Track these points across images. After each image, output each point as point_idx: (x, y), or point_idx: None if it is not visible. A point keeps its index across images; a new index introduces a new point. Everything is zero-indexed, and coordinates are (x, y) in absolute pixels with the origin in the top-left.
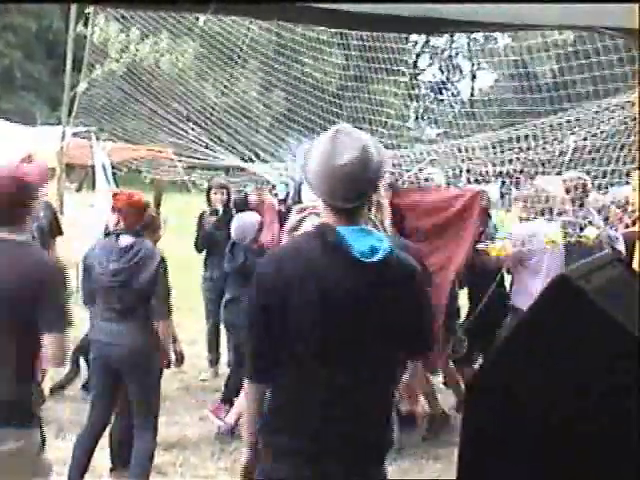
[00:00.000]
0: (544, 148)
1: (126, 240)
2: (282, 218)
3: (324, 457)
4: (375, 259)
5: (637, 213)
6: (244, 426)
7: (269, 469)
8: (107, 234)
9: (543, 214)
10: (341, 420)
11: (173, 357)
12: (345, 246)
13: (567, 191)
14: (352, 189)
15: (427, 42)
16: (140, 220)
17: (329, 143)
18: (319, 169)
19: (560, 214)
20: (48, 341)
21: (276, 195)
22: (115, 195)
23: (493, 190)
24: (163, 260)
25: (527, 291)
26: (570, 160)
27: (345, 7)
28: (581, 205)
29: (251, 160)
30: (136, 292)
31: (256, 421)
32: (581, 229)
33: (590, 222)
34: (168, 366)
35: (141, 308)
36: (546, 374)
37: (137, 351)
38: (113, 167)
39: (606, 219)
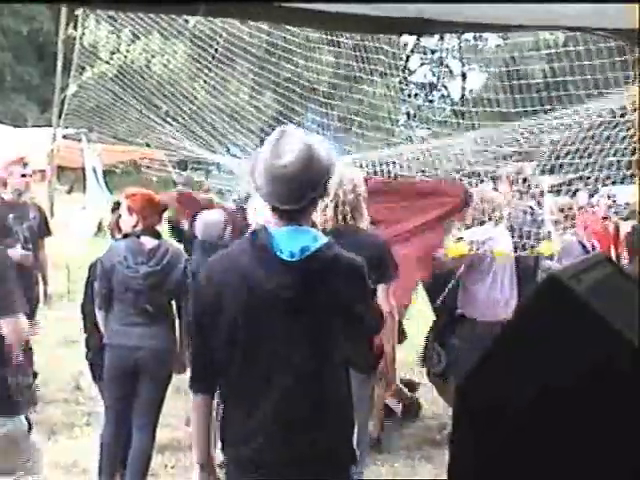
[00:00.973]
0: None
1: (150, 242)
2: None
3: (288, 465)
4: (299, 258)
5: (637, 214)
6: (193, 442)
7: None
8: (125, 235)
9: (490, 219)
10: (294, 423)
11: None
12: (272, 247)
13: (511, 184)
14: (292, 190)
15: (417, 43)
16: (159, 221)
17: (273, 144)
18: (262, 170)
19: (502, 218)
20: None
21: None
22: (132, 195)
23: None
24: (187, 260)
25: (475, 299)
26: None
27: (334, 8)
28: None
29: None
30: (167, 294)
31: (205, 436)
32: (537, 240)
33: (544, 237)
34: (181, 366)
35: (169, 309)
36: (536, 376)
37: (164, 353)
38: (104, 169)
39: (572, 225)
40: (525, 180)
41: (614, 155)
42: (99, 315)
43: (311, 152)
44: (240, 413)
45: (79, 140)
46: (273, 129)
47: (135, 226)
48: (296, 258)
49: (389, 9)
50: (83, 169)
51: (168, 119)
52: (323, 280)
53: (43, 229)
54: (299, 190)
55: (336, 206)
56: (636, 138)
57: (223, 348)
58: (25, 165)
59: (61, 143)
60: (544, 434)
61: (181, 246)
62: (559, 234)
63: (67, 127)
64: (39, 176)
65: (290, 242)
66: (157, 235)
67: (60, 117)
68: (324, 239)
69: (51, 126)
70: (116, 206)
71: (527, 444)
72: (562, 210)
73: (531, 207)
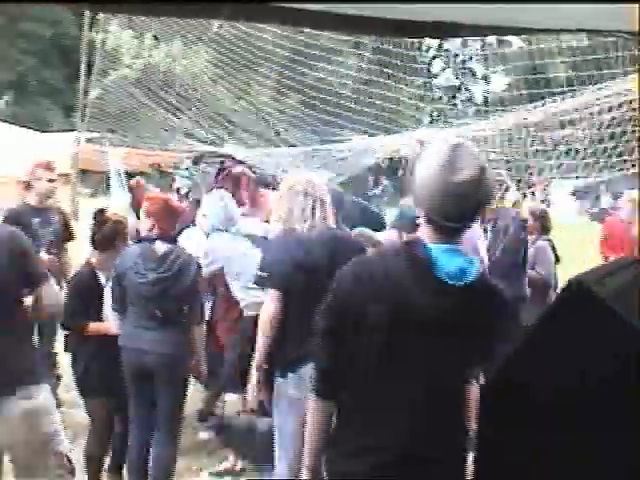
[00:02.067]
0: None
1: (162, 247)
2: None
3: None
4: (461, 283)
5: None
6: (306, 449)
7: None
8: (139, 240)
9: None
10: (413, 445)
11: (204, 367)
12: (432, 265)
13: None
14: (463, 208)
15: (440, 46)
16: (174, 226)
17: (447, 157)
18: (431, 182)
19: None
20: (42, 293)
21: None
22: (149, 199)
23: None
24: (199, 266)
25: None
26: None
27: (357, 11)
28: None
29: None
30: (176, 300)
31: (319, 442)
32: None
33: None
34: (199, 373)
35: (180, 315)
36: (562, 377)
37: (176, 358)
38: (127, 172)
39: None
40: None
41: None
42: (112, 317)
43: (484, 170)
44: (360, 426)
45: (103, 144)
46: (296, 132)
47: (151, 230)
48: (456, 281)
49: (411, 12)
50: (106, 173)
51: (190, 122)
52: (477, 309)
53: (66, 233)
54: (470, 208)
55: (320, 208)
56: None
57: (357, 355)
58: (52, 170)
59: (85, 147)
60: (572, 430)
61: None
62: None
63: (91, 131)
64: (63, 180)
65: (448, 262)
66: (172, 240)
67: (84, 121)
68: (477, 261)
69: (75, 130)
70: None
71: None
72: (533, 214)
73: None
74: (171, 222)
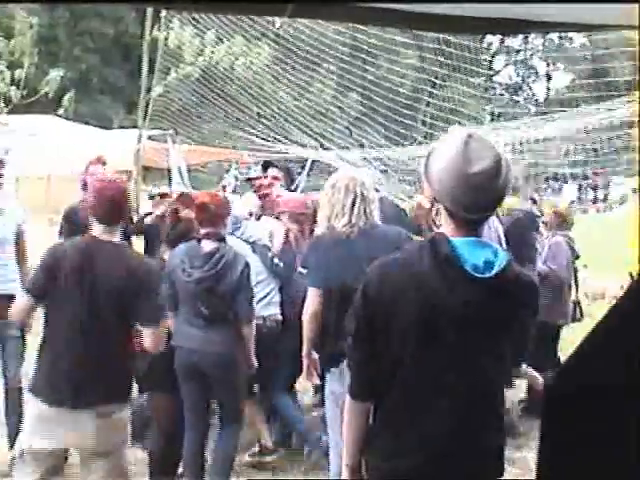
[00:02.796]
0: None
1: (209, 245)
2: None
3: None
4: (488, 275)
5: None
6: (344, 447)
7: None
8: (188, 239)
9: None
10: (451, 439)
11: (255, 362)
12: (457, 259)
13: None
14: (481, 199)
15: (502, 43)
16: (223, 224)
17: (461, 148)
18: (447, 175)
19: None
20: (146, 333)
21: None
22: (200, 197)
23: (569, 191)
24: (247, 264)
25: None
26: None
27: (419, 8)
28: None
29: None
30: (222, 298)
31: (357, 442)
32: None
33: None
34: (250, 366)
35: (228, 313)
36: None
37: (226, 356)
38: (189, 169)
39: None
40: None
41: None
42: (168, 315)
43: (500, 161)
44: (399, 426)
45: (164, 141)
46: (358, 129)
47: (201, 228)
48: (482, 273)
49: (472, 9)
50: (168, 169)
51: (252, 120)
52: (508, 299)
53: (127, 230)
54: (489, 199)
55: (360, 204)
56: None
57: (391, 356)
58: (104, 164)
59: (147, 144)
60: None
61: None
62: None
63: (152, 128)
64: (125, 177)
65: (473, 254)
66: (219, 239)
67: (145, 118)
68: (505, 254)
69: (137, 127)
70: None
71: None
72: (555, 211)
73: None
74: (218, 221)
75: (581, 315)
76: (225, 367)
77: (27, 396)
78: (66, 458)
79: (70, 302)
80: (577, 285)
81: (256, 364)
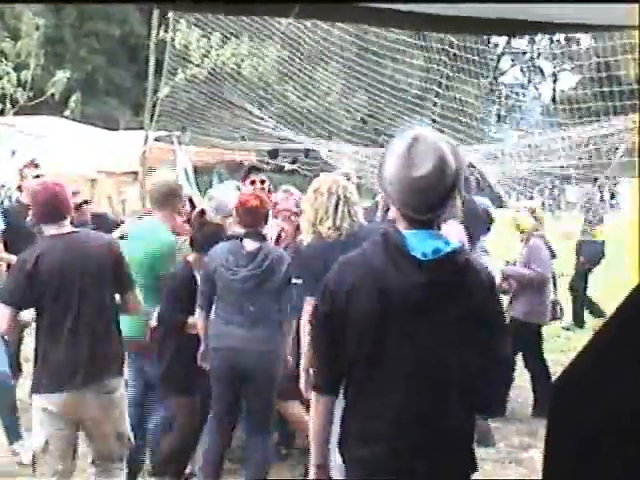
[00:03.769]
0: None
1: (251, 244)
2: None
3: (409, 468)
4: (434, 257)
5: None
6: (312, 443)
7: None
8: (229, 237)
9: None
10: (418, 427)
11: (290, 360)
12: (406, 247)
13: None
14: (427, 201)
15: (508, 44)
16: (261, 222)
17: (406, 151)
18: (394, 178)
19: None
20: (125, 299)
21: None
22: (240, 196)
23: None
24: (290, 263)
25: None
26: None
27: (425, 9)
28: None
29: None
30: (269, 296)
31: (325, 437)
32: None
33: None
34: (286, 365)
35: (272, 312)
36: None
37: (270, 354)
38: (195, 170)
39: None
40: None
41: None
42: (199, 314)
43: (445, 160)
44: (364, 415)
45: (171, 142)
46: (364, 130)
47: (241, 227)
48: (429, 258)
49: (478, 10)
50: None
51: (259, 121)
52: (456, 282)
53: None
54: (434, 201)
55: (344, 206)
56: None
57: (351, 349)
58: (37, 166)
59: (153, 145)
60: None
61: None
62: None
63: (159, 129)
64: (131, 178)
65: (422, 243)
66: (261, 237)
67: (152, 119)
68: (455, 244)
69: (143, 128)
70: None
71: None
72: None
73: None
74: (259, 220)
75: (562, 314)
76: (268, 366)
77: (33, 398)
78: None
79: (56, 296)
80: (555, 284)
81: (292, 364)
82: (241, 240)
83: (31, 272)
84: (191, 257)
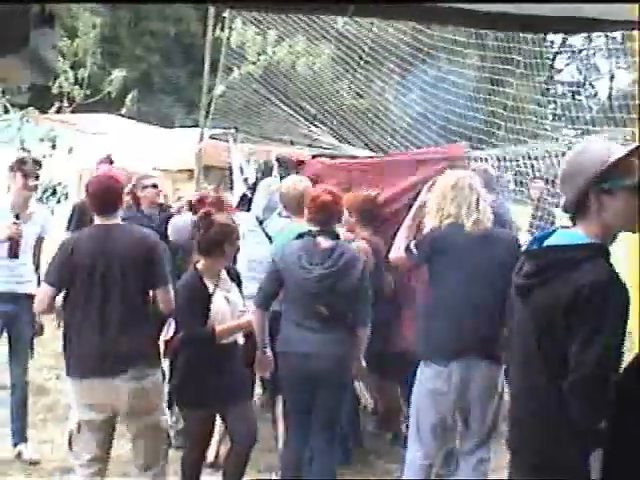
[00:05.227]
0: None
1: (326, 242)
2: None
3: None
4: None
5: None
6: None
7: None
8: (300, 235)
9: None
10: None
11: (364, 365)
12: None
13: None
14: None
15: (564, 42)
16: (335, 219)
17: None
18: None
19: None
20: (160, 294)
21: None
22: (311, 194)
23: None
24: (365, 263)
25: None
26: None
27: (483, 7)
28: None
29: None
30: (343, 297)
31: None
32: None
33: None
34: (359, 372)
35: (347, 314)
36: None
37: (342, 361)
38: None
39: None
40: None
41: None
42: (257, 313)
43: None
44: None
45: (226, 140)
46: (419, 130)
47: (312, 224)
48: None
49: (535, 7)
50: (230, 168)
51: (314, 120)
52: None
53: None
54: None
55: (478, 203)
56: None
57: None
58: (112, 163)
59: (208, 143)
60: None
61: None
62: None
63: (214, 127)
64: (187, 175)
65: None
66: (334, 235)
67: (207, 117)
68: None
69: (198, 126)
70: None
71: None
72: None
73: None
74: (333, 216)
75: None
76: (342, 371)
77: (68, 380)
78: (113, 428)
79: (90, 283)
80: None
81: (365, 370)
82: (314, 237)
83: (68, 256)
84: (200, 264)
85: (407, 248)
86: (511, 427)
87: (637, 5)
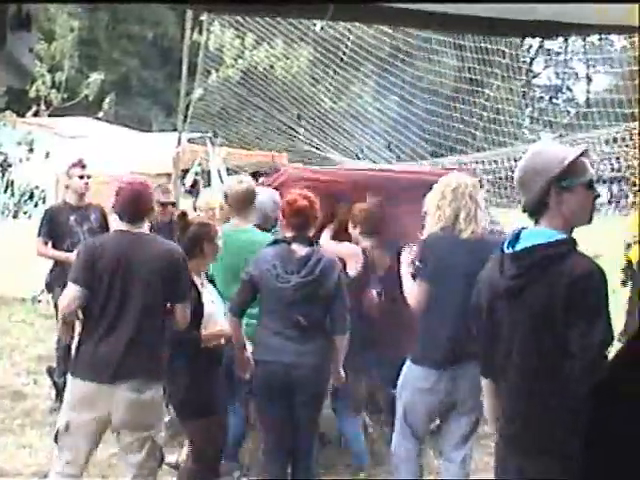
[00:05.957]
0: None
1: (301, 249)
2: None
3: None
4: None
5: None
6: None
7: None
8: (274, 241)
9: None
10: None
11: (343, 374)
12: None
13: None
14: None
15: (541, 46)
16: (311, 225)
17: None
18: None
19: None
20: (179, 309)
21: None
22: (288, 199)
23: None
24: (342, 270)
25: None
26: None
27: (458, 10)
28: None
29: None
30: (321, 305)
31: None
32: None
33: None
34: (338, 379)
35: (325, 322)
36: None
37: (320, 369)
38: (228, 171)
39: None
40: None
41: None
42: (232, 321)
43: None
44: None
45: (204, 144)
46: (397, 131)
47: (287, 230)
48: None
49: (512, 11)
50: (208, 172)
51: (292, 122)
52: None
53: (103, 230)
54: None
55: (476, 212)
56: None
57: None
58: (84, 167)
59: (186, 147)
60: None
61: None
62: None
63: (192, 131)
64: (165, 179)
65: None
66: (309, 242)
67: (185, 121)
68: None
69: (176, 130)
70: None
71: None
72: None
73: None
74: (309, 222)
75: None
76: (318, 381)
77: (69, 378)
78: (100, 436)
79: (109, 288)
80: None
81: (344, 377)
82: (289, 244)
83: (90, 258)
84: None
85: (413, 274)
86: (524, 429)
87: (636, 6)
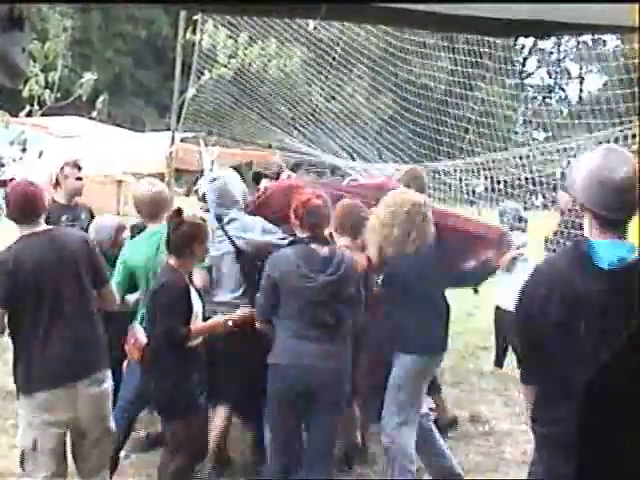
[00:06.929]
0: None
1: (322, 249)
2: None
3: None
4: (617, 267)
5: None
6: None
7: None
8: (292, 242)
9: None
10: None
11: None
12: (593, 255)
13: None
14: (623, 201)
15: (535, 45)
16: (326, 223)
17: (603, 158)
18: (593, 182)
19: None
20: (103, 293)
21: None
22: (297, 197)
23: None
24: (357, 270)
25: None
26: None
27: (450, 10)
28: None
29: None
30: (345, 305)
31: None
32: None
33: None
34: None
35: (349, 323)
36: None
37: (343, 373)
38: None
39: None
40: None
41: None
42: (265, 328)
43: (637, 168)
44: (553, 401)
45: (197, 143)
46: (390, 132)
47: (302, 230)
48: (614, 267)
49: (507, 11)
50: (201, 172)
51: (285, 122)
52: (631, 289)
53: None
54: (629, 201)
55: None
56: None
57: (548, 344)
58: (79, 168)
59: (179, 146)
60: None
61: None
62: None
63: (185, 130)
64: (158, 179)
65: (610, 253)
66: (326, 241)
67: (178, 121)
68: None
69: (169, 130)
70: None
71: None
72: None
73: None
74: (323, 221)
75: None
76: (341, 384)
77: (21, 400)
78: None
79: (34, 294)
80: None
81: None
82: (307, 243)
83: (11, 271)
84: (173, 261)
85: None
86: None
87: (636, 6)
